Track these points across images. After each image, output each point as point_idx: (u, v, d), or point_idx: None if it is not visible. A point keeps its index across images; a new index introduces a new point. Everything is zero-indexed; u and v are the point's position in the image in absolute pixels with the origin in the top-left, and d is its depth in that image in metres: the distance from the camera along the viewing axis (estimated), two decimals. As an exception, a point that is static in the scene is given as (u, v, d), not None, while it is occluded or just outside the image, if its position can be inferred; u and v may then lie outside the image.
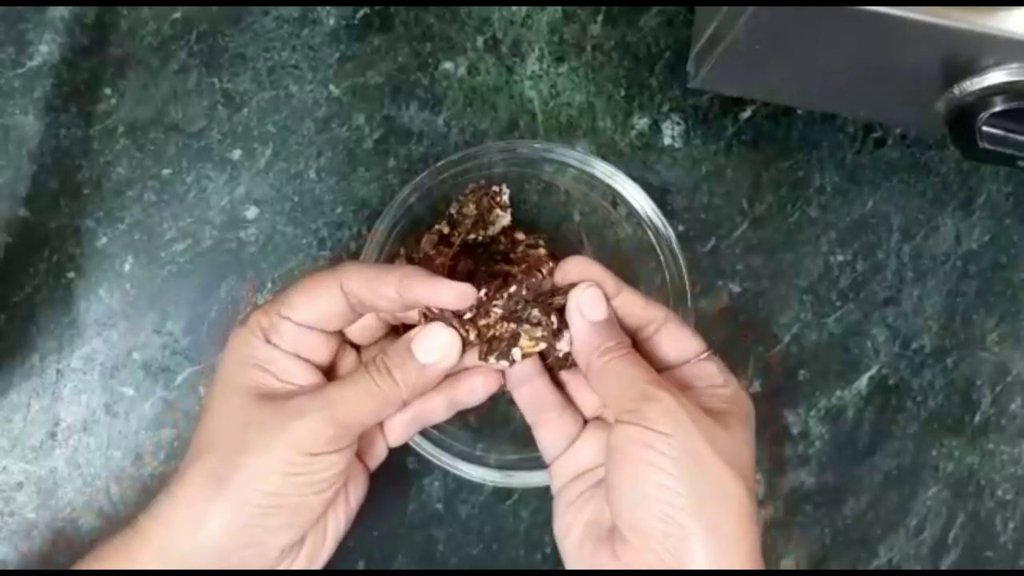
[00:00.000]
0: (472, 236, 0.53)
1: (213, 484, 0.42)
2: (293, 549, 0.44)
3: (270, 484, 0.42)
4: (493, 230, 0.54)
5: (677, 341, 0.46)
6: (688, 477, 0.40)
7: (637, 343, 0.46)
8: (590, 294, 0.45)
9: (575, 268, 0.46)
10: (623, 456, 0.41)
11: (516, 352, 0.46)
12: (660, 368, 0.45)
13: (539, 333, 0.47)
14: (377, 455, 0.49)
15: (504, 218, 0.54)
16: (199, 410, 0.45)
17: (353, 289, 0.44)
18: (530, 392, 0.49)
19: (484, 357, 0.47)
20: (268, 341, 0.44)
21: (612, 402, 0.44)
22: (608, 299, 0.46)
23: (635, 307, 0.46)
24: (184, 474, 0.43)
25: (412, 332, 0.46)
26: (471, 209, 0.53)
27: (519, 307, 0.46)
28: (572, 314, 0.46)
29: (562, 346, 0.47)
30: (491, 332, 0.46)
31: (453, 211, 0.54)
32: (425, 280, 0.43)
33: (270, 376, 0.44)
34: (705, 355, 0.46)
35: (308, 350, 0.45)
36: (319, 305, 0.44)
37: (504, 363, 0.46)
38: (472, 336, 0.46)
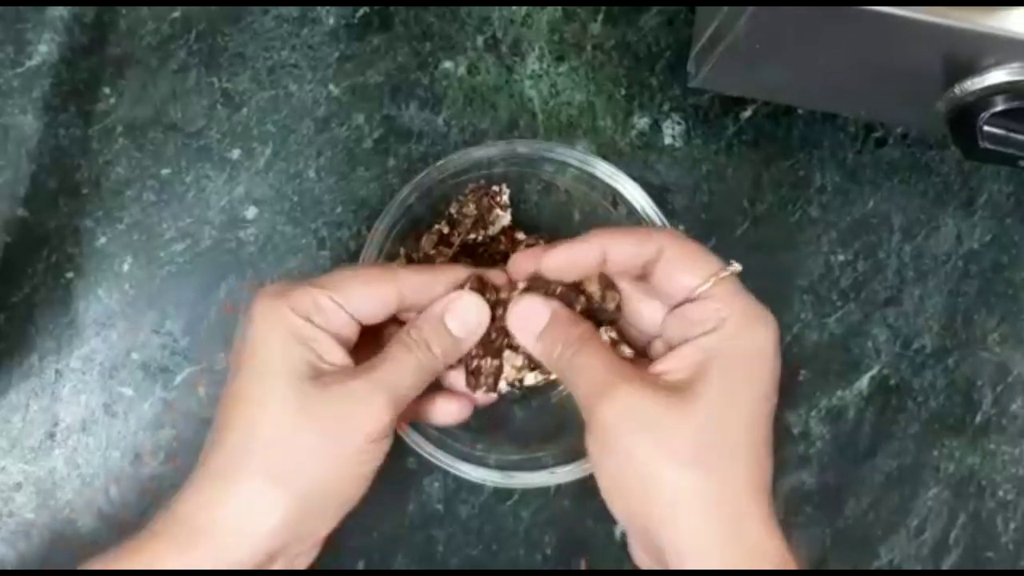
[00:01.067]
0: (472, 236, 0.53)
1: (271, 483, 0.39)
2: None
3: (336, 478, 0.41)
4: (493, 230, 0.54)
5: (671, 277, 0.42)
6: (640, 482, 0.38)
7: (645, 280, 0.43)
8: (521, 308, 0.45)
9: (521, 267, 0.46)
10: (592, 463, 0.41)
11: (503, 384, 0.47)
12: (671, 305, 0.42)
13: (519, 362, 0.47)
14: None
15: (504, 218, 0.54)
16: (225, 396, 0.42)
17: (408, 294, 0.44)
18: None
19: (472, 388, 0.47)
20: (309, 320, 0.42)
21: (580, 404, 0.42)
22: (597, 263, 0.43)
23: (625, 255, 0.43)
24: (228, 471, 0.40)
25: (442, 303, 0.45)
26: (471, 209, 0.53)
27: (496, 339, 0.46)
28: (516, 333, 0.45)
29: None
30: (474, 364, 0.47)
31: (453, 211, 0.54)
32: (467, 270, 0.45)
33: (315, 356, 0.41)
34: (698, 291, 0.41)
35: (346, 332, 0.43)
36: (373, 300, 0.43)
37: (493, 395, 0.47)
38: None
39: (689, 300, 0.41)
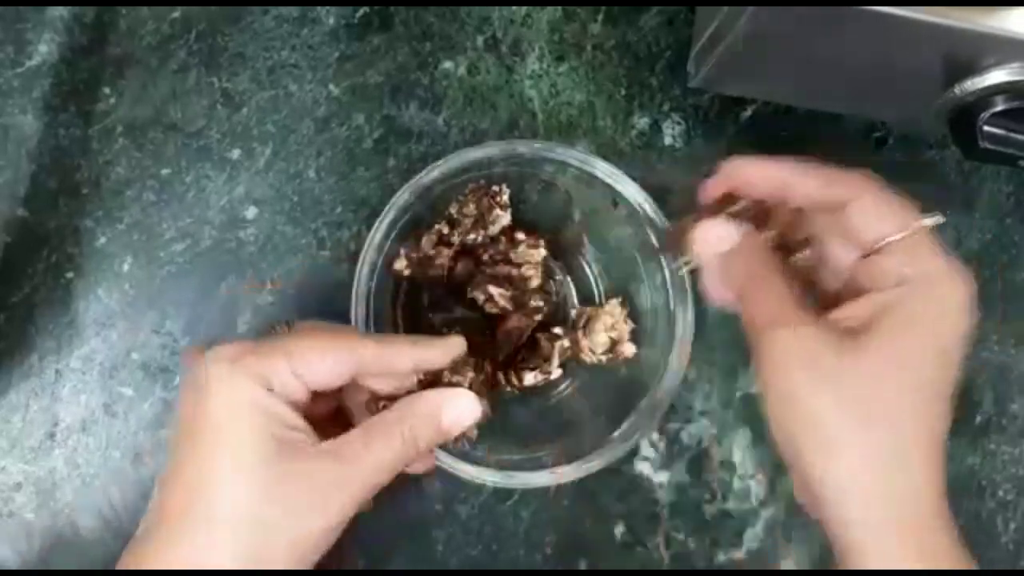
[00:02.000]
0: (472, 236, 0.53)
1: (240, 562, 0.38)
2: None
3: (312, 553, 0.40)
4: (493, 230, 0.54)
5: (862, 225, 0.40)
6: (801, 425, 0.37)
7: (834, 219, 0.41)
8: (705, 228, 0.43)
9: (726, 179, 0.44)
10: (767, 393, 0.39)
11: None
12: (862, 252, 0.40)
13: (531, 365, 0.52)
14: None
15: (504, 218, 0.54)
16: (179, 469, 0.40)
17: (367, 362, 0.42)
18: None
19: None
20: (270, 389, 0.40)
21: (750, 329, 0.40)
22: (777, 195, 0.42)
23: (812, 193, 0.41)
24: (198, 551, 0.38)
25: (436, 401, 0.44)
26: (471, 209, 0.53)
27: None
28: (699, 251, 0.43)
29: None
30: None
31: (453, 211, 0.54)
32: (437, 345, 0.44)
33: (278, 426, 0.40)
34: (890, 239, 0.38)
35: (300, 397, 0.42)
36: (329, 372, 0.42)
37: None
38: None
39: (877, 251, 0.39)
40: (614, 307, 0.54)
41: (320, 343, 0.42)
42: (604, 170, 0.53)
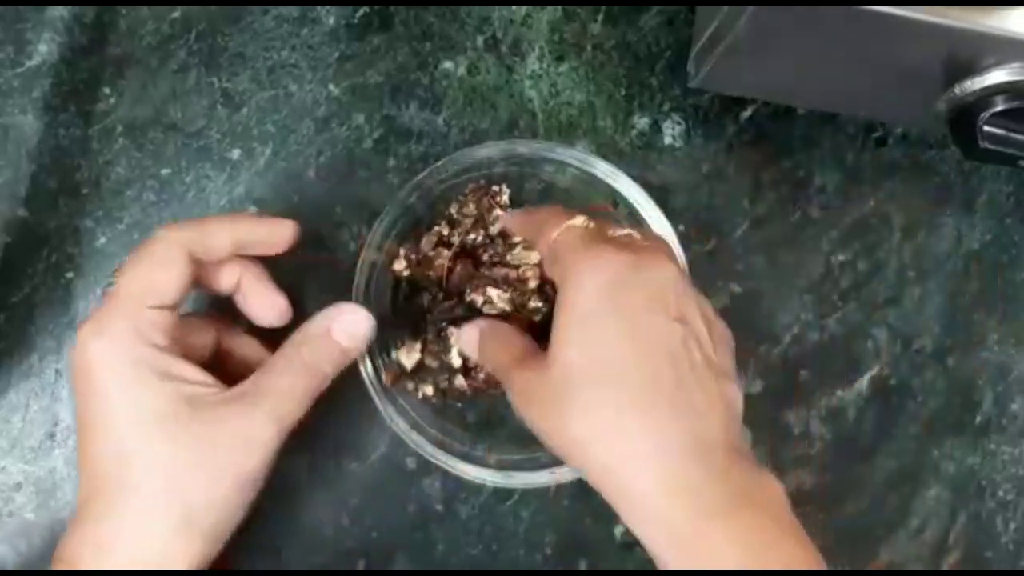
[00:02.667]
0: (472, 236, 0.53)
1: (183, 531, 0.40)
2: None
3: (251, 493, 0.42)
4: (493, 230, 0.54)
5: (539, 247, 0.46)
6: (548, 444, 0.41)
7: None
8: (463, 336, 0.49)
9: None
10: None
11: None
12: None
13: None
14: None
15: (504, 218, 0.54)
16: (88, 452, 0.41)
17: (186, 237, 0.43)
18: None
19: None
20: (154, 345, 0.40)
21: None
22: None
23: (513, 225, 0.48)
24: (135, 529, 0.40)
25: (326, 318, 0.46)
26: (471, 209, 0.53)
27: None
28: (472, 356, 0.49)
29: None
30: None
31: (453, 211, 0.54)
32: (253, 220, 0.47)
33: (181, 383, 0.41)
34: (545, 254, 0.44)
35: (194, 341, 0.43)
36: (165, 271, 0.42)
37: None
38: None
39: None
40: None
41: (138, 256, 0.43)
42: (604, 170, 0.53)
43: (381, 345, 0.53)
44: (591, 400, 0.38)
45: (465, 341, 0.48)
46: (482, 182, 0.54)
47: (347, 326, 0.46)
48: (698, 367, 0.39)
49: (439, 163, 0.51)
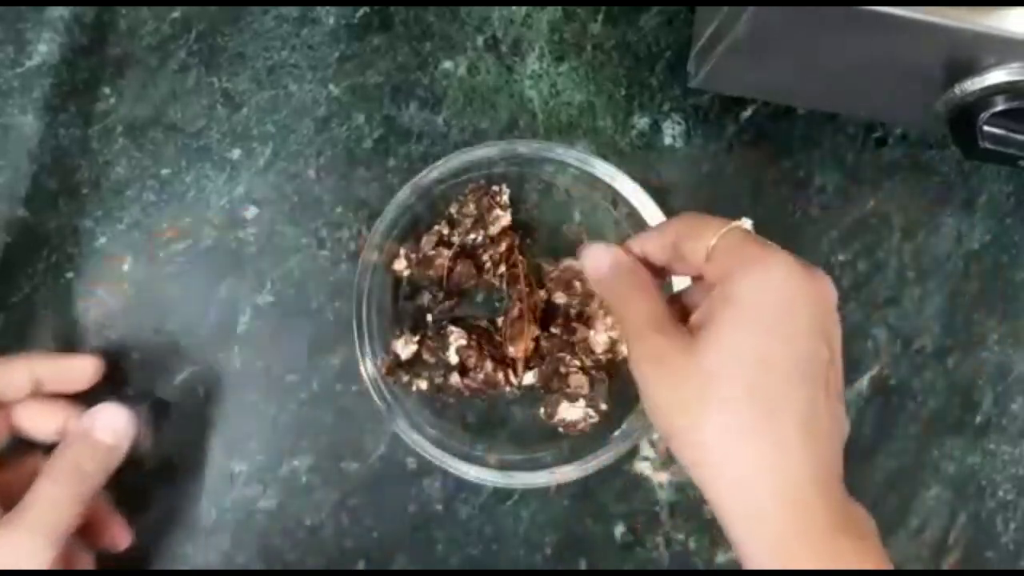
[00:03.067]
0: (472, 236, 0.53)
1: None
2: None
3: None
4: (493, 230, 0.54)
5: (686, 247, 0.42)
6: (661, 425, 0.39)
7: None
8: (592, 254, 0.44)
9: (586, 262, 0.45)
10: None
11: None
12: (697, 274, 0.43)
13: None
14: None
15: (504, 218, 0.54)
16: None
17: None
18: None
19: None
20: None
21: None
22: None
23: (654, 243, 0.43)
24: None
25: (85, 421, 0.47)
26: (471, 209, 0.53)
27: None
28: (586, 272, 0.44)
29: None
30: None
31: (453, 211, 0.54)
32: (51, 358, 0.49)
33: None
34: (709, 247, 0.41)
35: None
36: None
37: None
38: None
39: (707, 261, 0.41)
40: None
41: None
42: (604, 170, 0.53)
43: (382, 345, 0.53)
44: (736, 411, 0.37)
45: (590, 260, 0.44)
46: (482, 182, 0.54)
47: (107, 423, 0.47)
48: (831, 392, 0.39)
49: (438, 163, 0.52)
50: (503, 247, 0.54)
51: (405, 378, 0.53)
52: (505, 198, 0.54)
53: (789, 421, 0.37)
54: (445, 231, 0.54)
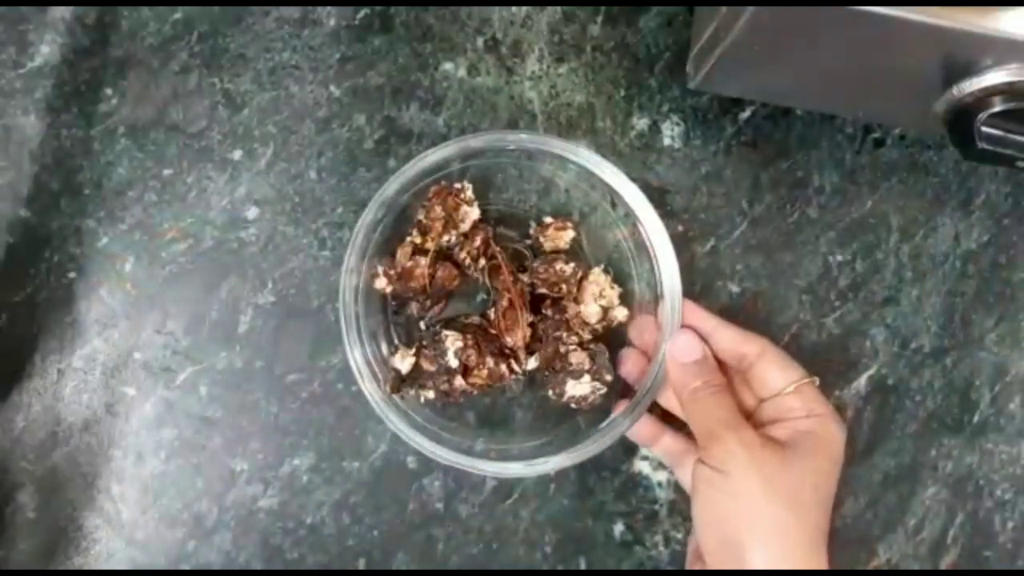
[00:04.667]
0: (445, 238, 0.53)
1: None
2: None
3: None
4: (464, 227, 0.54)
5: (769, 374, 0.50)
6: (744, 511, 0.45)
7: (741, 372, 0.52)
8: (683, 340, 0.51)
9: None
10: (695, 489, 0.48)
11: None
12: (762, 397, 0.51)
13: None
14: None
15: (472, 213, 0.54)
16: None
17: None
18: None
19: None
20: None
21: (696, 437, 0.49)
22: (704, 338, 0.51)
23: (730, 342, 0.51)
24: None
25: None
26: (438, 212, 0.53)
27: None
28: (668, 358, 0.51)
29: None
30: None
31: (421, 217, 0.54)
32: None
33: None
34: (792, 388, 0.49)
35: None
36: None
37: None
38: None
39: (779, 394, 0.50)
40: (598, 275, 0.55)
41: None
42: (587, 158, 0.52)
43: (379, 359, 0.53)
44: (778, 524, 0.45)
45: (681, 349, 0.51)
46: (443, 183, 0.54)
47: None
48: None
49: (397, 174, 0.51)
50: (478, 241, 0.54)
51: (411, 391, 0.53)
52: (469, 193, 0.54)
53: (821, 530, 0.46)
54: (418, 239, 0.54)
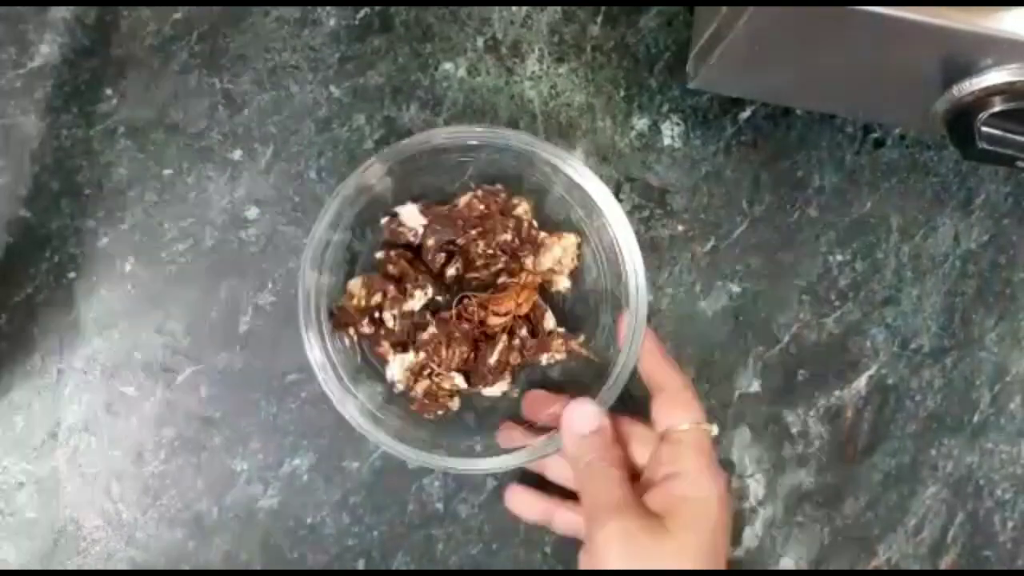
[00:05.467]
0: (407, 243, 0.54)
1: None
2: None
3: None
4: (415, 303, 0.54)
5: (657, 414, 0.49)
6: None
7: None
8: (580, 411, 0.49)
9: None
10: (584, 566, 0.48)
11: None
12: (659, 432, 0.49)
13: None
14: None
15: (426, 291, 0.54)
16: None
17: None
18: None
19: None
20: None
21: (583, 515, 0.48)
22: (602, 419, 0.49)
23: (647, 370, 0.50)
24: None
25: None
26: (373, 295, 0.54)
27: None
28: (564, 428, 0.49)
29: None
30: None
31: (387, 236, 0.55)
32: None
33: None
34: (671, 431, 0.48)
35: None
36: None
37: None
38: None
39: (665, 437, 0.48)
40: (570, 242, 0.55)
41: None
42: (542, 148, 0.52)
43: (356, 382, 0.53)
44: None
45: (579, 419, 0.49)
46: (382, 215, 0.54)
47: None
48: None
49: (335, 197, 0.51)
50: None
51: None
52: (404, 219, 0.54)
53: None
54: (392, 270, 0.54)
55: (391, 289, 0.53)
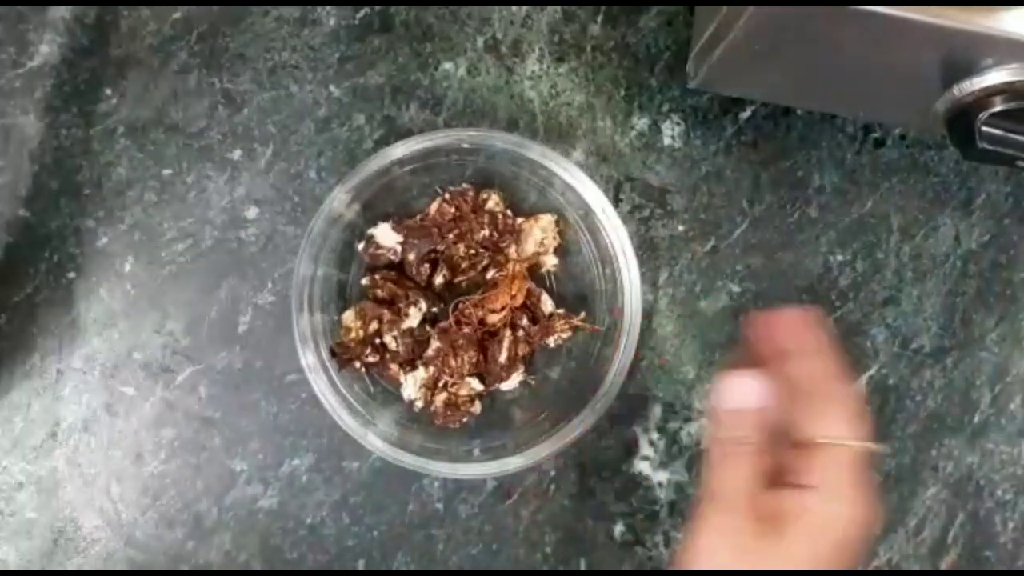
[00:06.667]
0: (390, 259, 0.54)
1: None
2: None
3: None
4: (411, 322, 0.54)
5: (809, 415, 0.42)
6: None
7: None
8: (735, 384, 0.44)
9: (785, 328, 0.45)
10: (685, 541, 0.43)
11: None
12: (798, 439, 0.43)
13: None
14: None
15: (417, 312, 0.54)
16: None
17: None
18: None
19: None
20: None
21: (703, 489, 0.44)
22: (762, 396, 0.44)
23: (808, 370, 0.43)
24: None
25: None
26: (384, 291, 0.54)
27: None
28: (720, 394, 0.44)
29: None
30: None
31: (367, 259, 0.55)
32: None
33: None
34: (821, 441, 0.42)
35: None
36: None
37: None
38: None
39: (808, 443, 0.42)
40: (548, 222, 0.55)
41: None
42: (537, 152, 0.53)
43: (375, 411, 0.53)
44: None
45: (738, 391, 0.44)
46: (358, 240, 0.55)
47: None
48: None
49: (318, 216, 0.51)
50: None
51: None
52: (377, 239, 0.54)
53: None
54: (380, 294, 0.54)
55: (385, 313, 0.53)
